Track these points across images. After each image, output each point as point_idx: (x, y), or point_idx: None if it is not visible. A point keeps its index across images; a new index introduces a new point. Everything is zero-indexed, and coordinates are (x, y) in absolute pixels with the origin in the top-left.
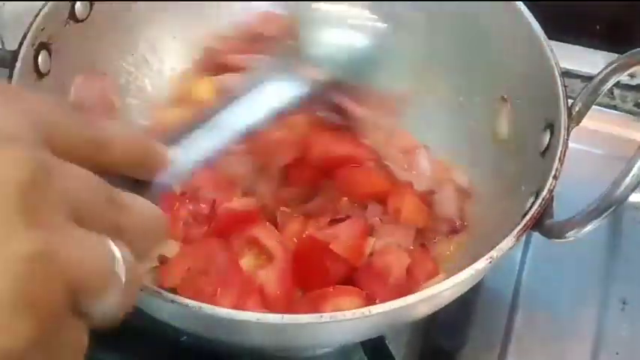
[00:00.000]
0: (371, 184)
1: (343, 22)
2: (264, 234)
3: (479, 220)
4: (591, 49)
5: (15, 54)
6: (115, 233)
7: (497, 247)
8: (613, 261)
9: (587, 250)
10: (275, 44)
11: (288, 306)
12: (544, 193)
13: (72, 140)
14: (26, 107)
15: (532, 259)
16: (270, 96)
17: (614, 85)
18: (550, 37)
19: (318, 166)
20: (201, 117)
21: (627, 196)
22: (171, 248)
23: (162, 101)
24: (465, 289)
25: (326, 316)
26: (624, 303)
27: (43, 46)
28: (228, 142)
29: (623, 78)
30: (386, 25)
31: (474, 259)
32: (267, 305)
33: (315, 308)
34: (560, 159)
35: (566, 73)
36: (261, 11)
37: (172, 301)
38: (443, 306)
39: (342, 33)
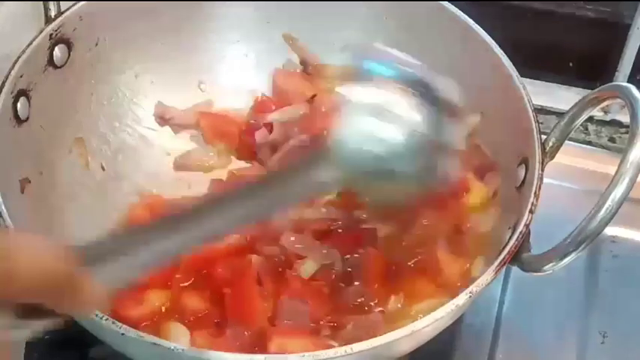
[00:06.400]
0: None
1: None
2: None
3: None
4: (566, 86)
5: None
6: None
7: (476, 282)
8: (592, 294)
9: (566, 283)
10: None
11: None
12: (521, 227)
13: None
14: None
15: (512, 294)
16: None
17: (589, 120)
18: (525, 76)
19: None
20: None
21: (602, 228)
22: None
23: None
24: (446, 324)
25: (307, 356)
26: (604, 336)
27: (22, 93)
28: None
29: (597, 114)
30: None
31: None
32: None
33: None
34: (535, 193)
35: (541, 110)
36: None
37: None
38: (424, 342)
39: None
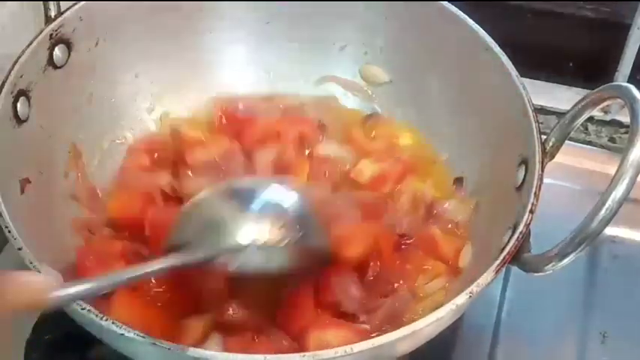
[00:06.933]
0: None
1: None
2: None
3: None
4: (566, 86)
5: None
6: None
7: (476, 282)
8: (592, 294)
9: (566, 284)
10: None
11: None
12: (521, 227)
13: None
14: None
15: (512, 294)
16: None
17: (589, 121)
18: (525, 76)
19: None
20: None
21: (602, 228)
22: None
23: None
24: (446, 324)
25: (308, 356)
26: (604, 336)
27: (22, 93)
28: None
29: (597, 114)
30: None
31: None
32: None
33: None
34: (535, 193)
35: (542, 110)
36: None
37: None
38: (425, 342)
39: None
